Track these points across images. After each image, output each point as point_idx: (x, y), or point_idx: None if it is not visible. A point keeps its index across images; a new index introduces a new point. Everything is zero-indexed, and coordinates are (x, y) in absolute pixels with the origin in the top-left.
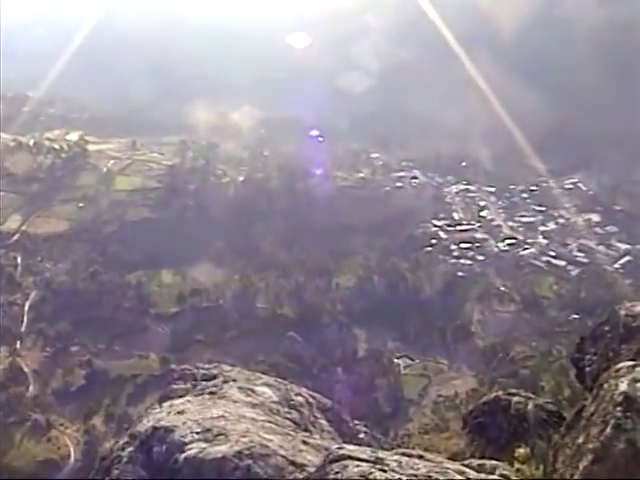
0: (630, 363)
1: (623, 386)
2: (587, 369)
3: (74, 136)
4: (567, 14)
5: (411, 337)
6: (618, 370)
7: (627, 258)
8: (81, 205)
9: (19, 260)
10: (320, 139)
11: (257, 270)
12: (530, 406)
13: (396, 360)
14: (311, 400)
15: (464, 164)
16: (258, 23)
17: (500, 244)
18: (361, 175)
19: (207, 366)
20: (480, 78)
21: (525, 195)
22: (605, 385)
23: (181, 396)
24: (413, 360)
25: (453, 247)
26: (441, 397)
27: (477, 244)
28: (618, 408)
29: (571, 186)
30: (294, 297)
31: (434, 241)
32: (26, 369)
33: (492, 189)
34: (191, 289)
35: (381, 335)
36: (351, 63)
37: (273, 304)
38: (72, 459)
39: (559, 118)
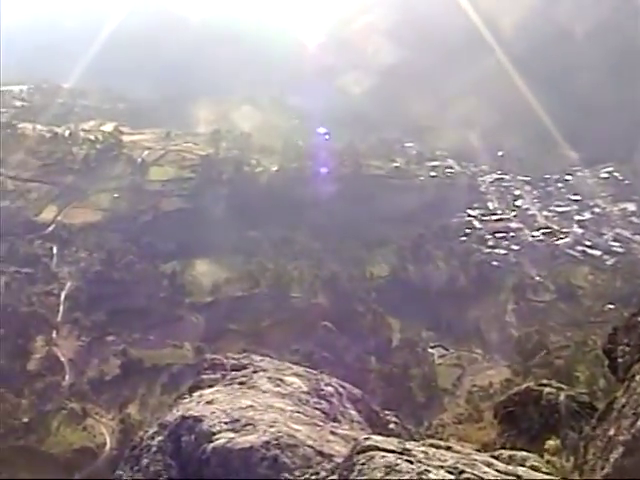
0: None
1: None
2: (620, 360)
3: (109, 127)
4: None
5: (445, 327)
6: None
7: None
8: (116, 195)
9: (55, 250)
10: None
11: (291, 259)
12: (562, 397)
13: (430, 350)
14: (341, 390)
15: (501, 154)
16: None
17: (535, 233)
18: (395, 164)
19: (237, 356)
20: (501, 74)
21: (560, 184)
22: (637, 377)
23: (210, 386)
24: (447, 350)
25: (488, 237)
26: (475, 387)
27: (512, 234)
28: None
29: (606, 175)
30: (328, 286)
31: (468, 230)
32: (62, 358)
33: (527, 178)
34: (225, 278)
35: (415, 325)
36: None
37: (307, 293)
38: (108, 447)
39: (583, 110)
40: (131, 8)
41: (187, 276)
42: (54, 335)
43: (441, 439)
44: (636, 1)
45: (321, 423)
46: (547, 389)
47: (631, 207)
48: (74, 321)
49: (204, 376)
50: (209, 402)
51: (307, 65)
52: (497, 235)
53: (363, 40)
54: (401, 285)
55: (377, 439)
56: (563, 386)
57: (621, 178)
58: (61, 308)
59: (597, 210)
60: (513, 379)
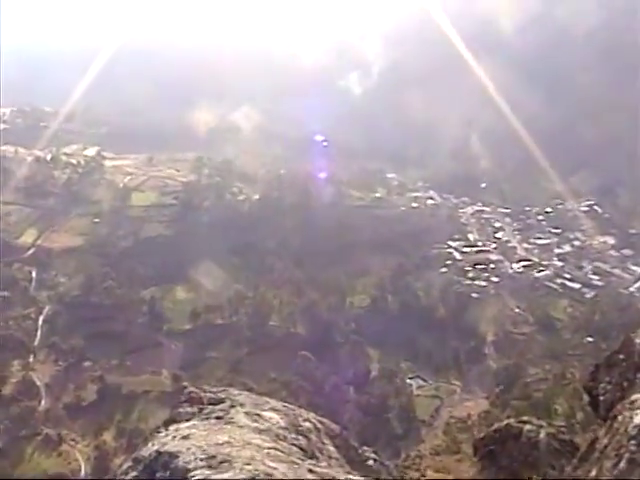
0: None
1: (638, 419)
2: (601, 398)
3: (91, 151)
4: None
5: (424, 358)
6: (633, 402)
7: None
8: (96, 220)
9: (34, 274)
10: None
11: (271, 288)
12: (542, 434)
13: (408, 380)
14: (319, 426)
15: (483, 185)
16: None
17: (515, 266)
18: (377, 195)
19: (214, 390)
20: (491, 85)
21: (540, 217)
22: (619, 417)
23: (187, 420)
24: (426, 381)
25: (468, 268)
26: (453, 418)
27: (492, 265)
28: (632, 442)
29: (587, 208)
30: (307, 315)
31: (449, 262)
32: (38, 383)
33: (507, 210)
34: (205, 306)
35: (394, 355)
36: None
37: (286, 322)
38: (82, 474)
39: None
40: (119, 31)
41: (166, 302)
42: (31, 359)
43: (418, 470)
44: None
45: (299, 461)
46: (527, 426)
47: (610, 240)
48: (51, 345)
49: (181, 409)
50: (185, 437)
51: (292, 89)
52: (477, 266)
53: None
54: (381, 315)
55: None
56: (543, 423)
57: (601, 211)
58: (39, 332)
59: (577, 243)
60: (491, 411)
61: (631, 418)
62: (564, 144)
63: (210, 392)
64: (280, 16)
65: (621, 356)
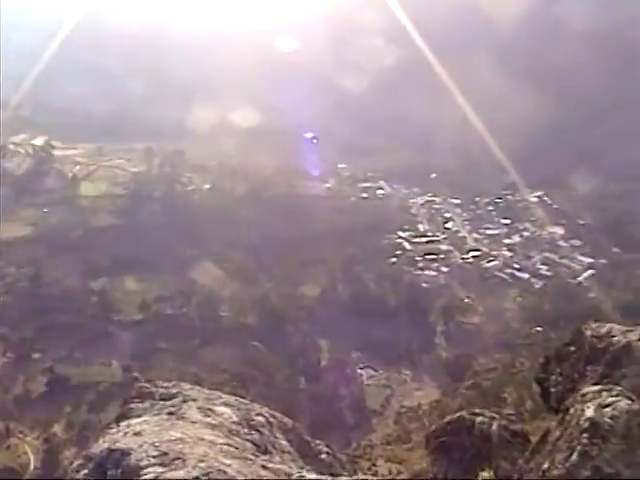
0: (596, 388)
1: (589, 412)
2: (552, 389)
3: (40, 141)
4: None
5: (375, 348)
6: (584, 395)
7: (590, 272)
8: (45, 210)
9: None
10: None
11: (222, 278)
12: (494, 426)
13: (359, 370)
14: (272, 420)
15: (434, 176)
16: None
17: (465, 256)
18: (327, 185)
19: (166, 384)
20: (459, 83)
21: (490, 207)
22: (571, 410)
23: (139, 416)
24: (376, 371)
25: (418, 258)
26: (404, 408)
27: (442, 256)
28: (584, 434)
29: (536, 199)
30: (258, 306)
31: (399, 252)
32: None
33: (458, 201)
34: (155, 296)
35: (345, 345)
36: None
37: (237, 313)
38: (32, 467)
39: (538, 129)
40: (74, 20)
41: (117, 293)
42: None
43: (369, 460)
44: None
45: (252, 456)
46: (479, 418)
47: (559, 231)
48: (0, 337)
49: (132, 405)
50: (137, 433)
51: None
52: (427, 257)
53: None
54: (331, 305)
55: (309, 478)
56: (495, 415)
57: (550, 202)
58: None
59: (526, 234)
60: (442, 400)
61: (582, 411)
62: (522, 136)
63: (162, 387)
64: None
65: (571, 348)
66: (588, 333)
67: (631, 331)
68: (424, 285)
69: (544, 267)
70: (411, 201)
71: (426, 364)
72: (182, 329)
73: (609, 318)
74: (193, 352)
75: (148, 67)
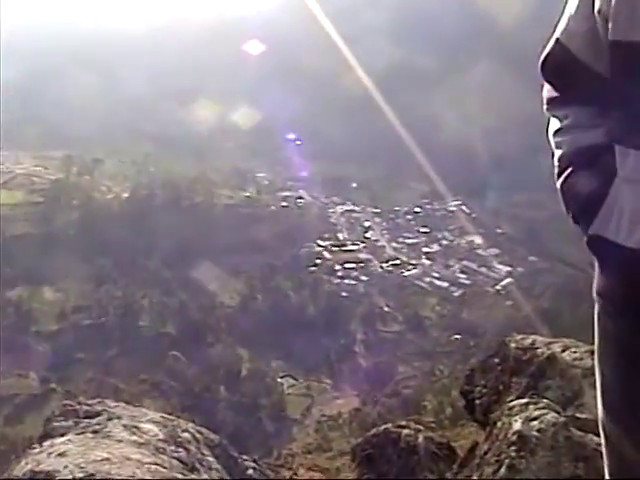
0: (523, 401)
1: (517, 425)
2: (477, 402)
3: None
4: None
5: (294, 357)
6: (511, 408)
7: (508, 280)
8: None
9: None
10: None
11: (140, 288)
12: (420, 439)
13: (279, 380)
14: (198, 436)
15: (354, 185)
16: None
17: (384, 265)
18: (246, 194)
19: (90, 402)
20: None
21: (409, 217)
22: (499, 423)
23: (62, 435)
24: (296, 380)
25: (337, 267)
26: (324, 417)
27: (361, 264)
28: (512, 447)
29: (454, 208)
30: (177, 315)
31: (318, 261)
32: None
33: (377, 210)
34: (73, 306)
35: (265, 354)
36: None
37: (156, 322)
38: None
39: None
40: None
41: (33, 303)
42: None
43: (290, 469)
44: None
45: (180, 475)
46: (405, 430)
47: (477, 240)
48: None
49: (55, 423)
50: (61, 454)
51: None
52: (347, 266)
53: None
54: (251, 315)
55: None
56: (421, 427)
57: (468, 212)
58: None
59: (445, 242)
60: (362, 408)
61: (510, 424)
62: (447, 144)
63: (86, 404)
64: None
65: (496, 360)
66: (512, 345)
67: (555, 342)
68: (343, 294)
69: (463, 275)
70: (330, 210)
71: (346, 373)
72: (100, 339)
73: (527, 325)
74: (112, 362)
75: (69, 71)
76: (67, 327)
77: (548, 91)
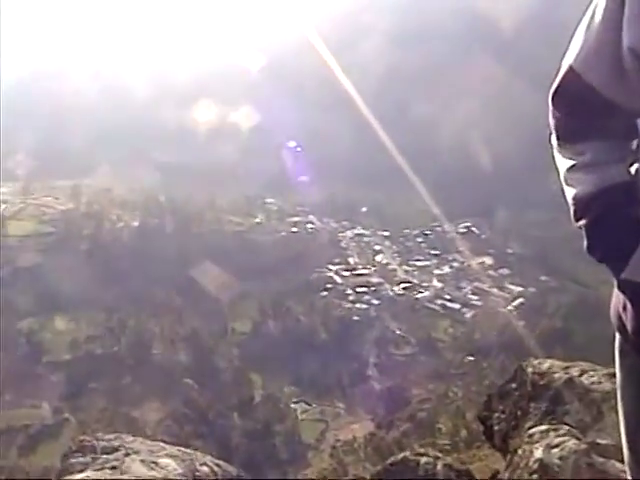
0: (543, 427)
1: (538, 453)
2: (495, 428)
3: None
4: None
5: (307, 382)
6: (532, 435)
7: (520, 300)
8: None
9: None
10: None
11: (152, 316)
12: (439, 466)
13: (293, 405)
14: (216, 469)
15: (364, 209)
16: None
17: (395, 288)
18: (257, 220)
19: (107, 437)
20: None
21: (419, 239)
22: (519, 451)
23: (80, 471)
24: (310, 405)
25: (349, 291)
26: (339, 441)
27: (372, 288)
28: (534, 476)
29: (464, 230)
30: (189, 343)
31: (329, 286)
32: None
33: (387, 233)
34: (85, 336)
35: (277, 380)
36: None
37: (168, 350)
38: None
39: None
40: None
41: (46, 333)
42: None
43: None
44: None
45: None
46: (424, 459)
47: (488, 261)
48: None
49: (73, 460)
50: None
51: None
52: (358, 290)
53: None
54: (263, 341)
55: None
56: (439, 454)
57: (478, 232)
58: None
59: (456, 264)
60: (376, 432)
61: (531, 452)
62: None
63: (103, 440)
64: None
65: (513, 385)
66: (529, 370)
67: (572, 366)
68: (355, 318)
69: (474, 297)
70: (340, 235)
71: (360, 397)
72: (113, 368)
73: (540, 345)
74: (125, 391)
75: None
76: (79, 357)
77: (559, 122)
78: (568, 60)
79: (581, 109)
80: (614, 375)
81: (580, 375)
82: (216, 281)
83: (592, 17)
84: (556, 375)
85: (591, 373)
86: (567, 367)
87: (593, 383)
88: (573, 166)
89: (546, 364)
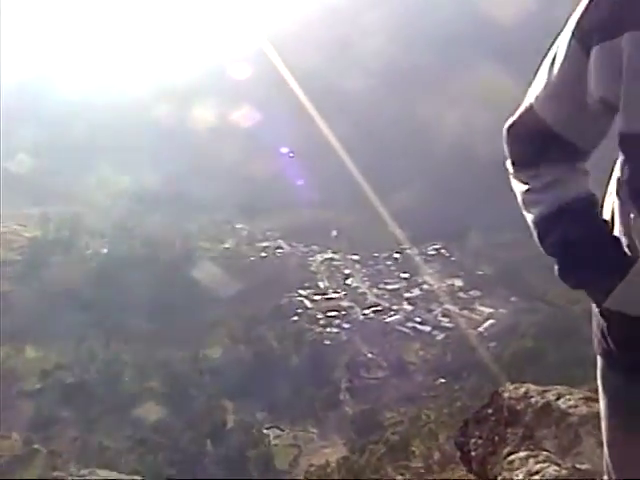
0: (522, 454)
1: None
2: (472, 454)
3: None
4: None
5: (280, 407)
6: (511, 462)
7: (491, 321)
8: None
9: None
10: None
11: (122, 343)
12: None
13: (265, 431)
14: None
15: (335, 233)
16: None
17: (366, 311)
18: (226, 246)
19: (82, 472)
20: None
21: (389, 262)
22: (499, 478)
23: None
24: (283, 430)
25: (319, 316)
26: (312, 466)
27: (343, 312)
28: None
29: (434, 252)
30: (161, 370)
31: (300, 310)
32: None
33: (356, 257)
34: (55, 364)
35: (250, 406)
36: None
37: (139, 378)
38: None
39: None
40: None
41: (15, 362)
42: None
43: None
44: None
45: None
46: None
47: (458, 283)
48: None
49: None
50: None
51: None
52: (328, 314)
53: None
54: (234, 366)
55: None
56: (414, 478)
57: (448, 255)
58: None
59: (426, 287)
60: (350, 456)
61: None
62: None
63: (77, 476)
64: None
65: (489, 411)
66: (505, 395)
67: (548, 391)
68: (327, 342)
69: (445, 319)
70: (310, 259)
71: (332, 421)
72: (84, 397)
73: (511, 366)
74: (96, 420)
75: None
76: (50, 385)
77: (514, 149)
78: (529, 98)
79: (536, 146)
80: (590, 399)
81: (557, 399)
82: (186, 308)
83: (554, 59)
84: (532, 400)
85: (567, 397)
86: (544, 391)
87: (570, 407)
88: (529, 189)
89: (522, 389)
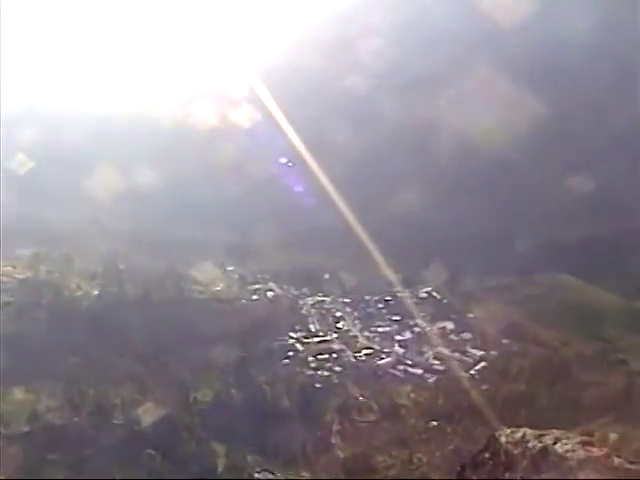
0: None
1: None
2: None
3: None
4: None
5: (271, 451)
6: None
7: (482, 364)
8: None
9: None
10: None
11: (113, 385)
12: None
13: (257, 475)
14: None
15: (327, 276)
16: None
17: (357, 354)
18: (217, 288)
19: None
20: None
21: (380, 305)
22: None
23: None
24: (274, 474)
25: (310, 359)
26: None
27: (334, 355)
28: None
29: (425, 295)
30: (151, 412)
31: (291, 353)
32: None
33: (348, 300)
34: (44, 406)
35: (240, 449)
36: None
37: (130, 420)
38: None
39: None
40: None
41: (4, 405)
42: None
43: None
44: None
45: None
46: None
47: (449, 325)
48: None
49: None
50: None
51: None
52: (320, 357)
53: None
54: (225, 409)
55: None
56: None
57: (439, 297)
58: None
59: (417, 329)
60: None
61: None
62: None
63: None
64: None
65: (487, 455)
66: (503, 439)
67: (545, 435)
68: (318, 385)
69: (436, 362)
70: (301, 302)
71: (324, 464)
72: (73, 439)
73: (504, 408)
74: (86, 462)
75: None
76: (38, 428)
77: None
78: None
79: None
80: (587, 442)
81: (554, 443)
82: (177, 350)
83: None
84: (530, 444)
85: (564, 441)
86: (541, 435)
87: (567, 451)
88: None
89: (519, 433)
